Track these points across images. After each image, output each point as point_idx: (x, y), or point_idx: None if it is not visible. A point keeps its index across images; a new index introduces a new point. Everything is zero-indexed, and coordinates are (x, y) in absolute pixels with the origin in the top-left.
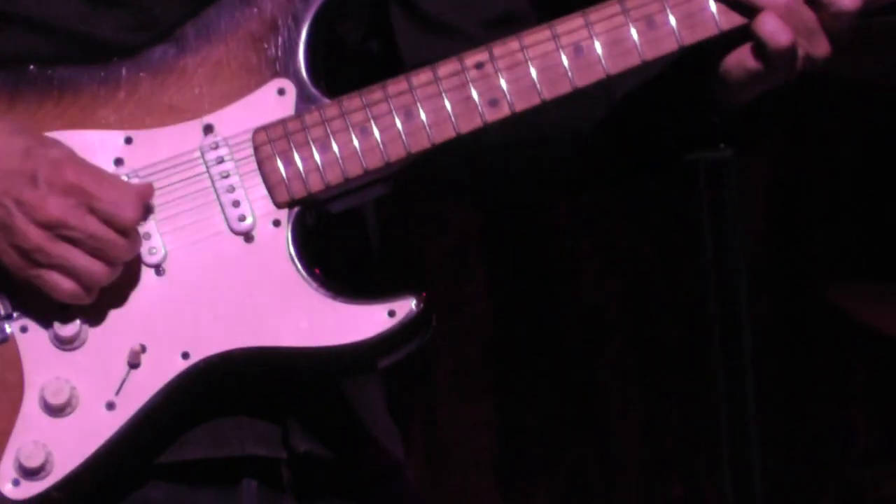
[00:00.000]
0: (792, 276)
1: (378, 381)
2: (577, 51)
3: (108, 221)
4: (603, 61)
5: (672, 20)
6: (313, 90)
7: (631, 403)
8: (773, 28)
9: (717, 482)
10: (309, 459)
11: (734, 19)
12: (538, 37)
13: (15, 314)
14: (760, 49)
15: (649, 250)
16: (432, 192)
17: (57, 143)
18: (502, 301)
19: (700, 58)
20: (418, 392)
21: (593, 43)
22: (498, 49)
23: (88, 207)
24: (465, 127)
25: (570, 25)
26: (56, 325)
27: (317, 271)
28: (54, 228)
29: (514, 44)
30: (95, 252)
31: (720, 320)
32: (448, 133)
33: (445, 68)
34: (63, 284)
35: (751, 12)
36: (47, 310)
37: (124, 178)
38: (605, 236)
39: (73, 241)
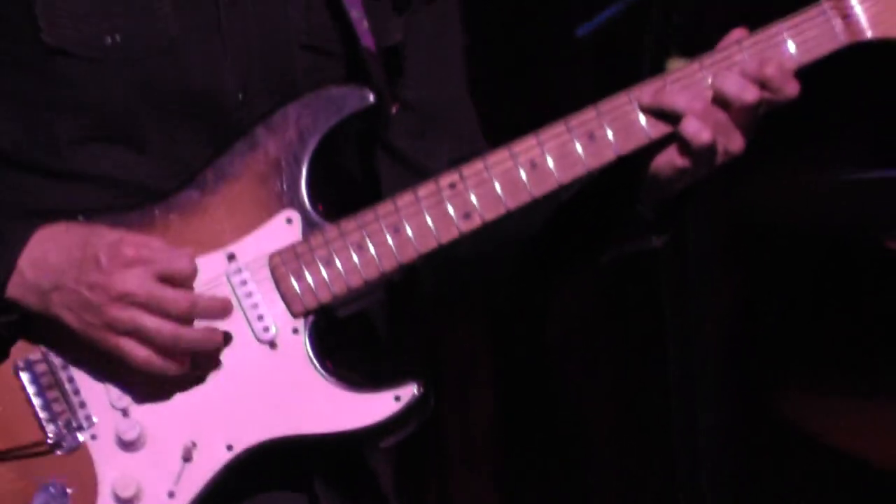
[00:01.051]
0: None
1: (385, 456)
2: (533, 166)
3: (168, 277)
4: (555, 173)
5: (609, 133)
6: (315, 216)
7: (627, 474)
8: (695, 129)
9: None
10: None
11: (661, 128)
12: (499, 157)
13: (85, 425)
14: (686, 148)
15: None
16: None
17: (109, 230)
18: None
19: (631, 162)
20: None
21: (545, 158)
22: (466, 170)
23: (150, 271)
24: (445, 238)
25: (525, 144)
26: (120, 430)
27: (329, 365)
28: (126, 298)
29: (479, 164)
30: (161, 312)
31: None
32: (431, 244)
33: (425, 189)
34: (137, 351)
35: (675, 119)
36: (113, 418)
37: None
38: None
39: (142, 307)
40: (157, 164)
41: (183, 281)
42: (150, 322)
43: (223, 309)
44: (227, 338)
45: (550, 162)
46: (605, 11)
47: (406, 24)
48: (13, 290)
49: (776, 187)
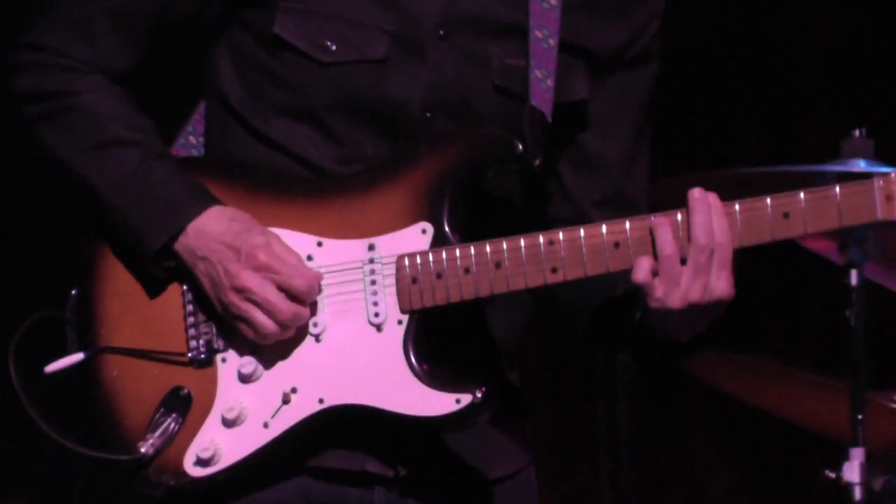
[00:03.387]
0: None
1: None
2: (616, 245)
3: (285, 291)
4: (631, 258)
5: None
6: (446, 234)
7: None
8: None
9: None
10: (409, 479)
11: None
12: (594, 231)
13: (220, 348)
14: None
15: None
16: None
17: (262, 232)
18: None
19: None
20: None
21: (629, 243)
22: (564, 234)
23: (272, 281)
24: (532, 283)
25: (615, 227)
26: (242, 363)
27: (415, 357)
28: (244, 293)
29: (577, 232)
30: (270, 314)
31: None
32: (520, 284)
33: (529, 240)
34: (245, 331)
35: None
36: (240, 352)
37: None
38: None
39: (255, 304)
40: (340, 154)
41: (296, 295)
42: (259, 317)
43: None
44: (347, 314)
45: (631, 248)
46: None
47: (596, 84)
48: (177, 244)
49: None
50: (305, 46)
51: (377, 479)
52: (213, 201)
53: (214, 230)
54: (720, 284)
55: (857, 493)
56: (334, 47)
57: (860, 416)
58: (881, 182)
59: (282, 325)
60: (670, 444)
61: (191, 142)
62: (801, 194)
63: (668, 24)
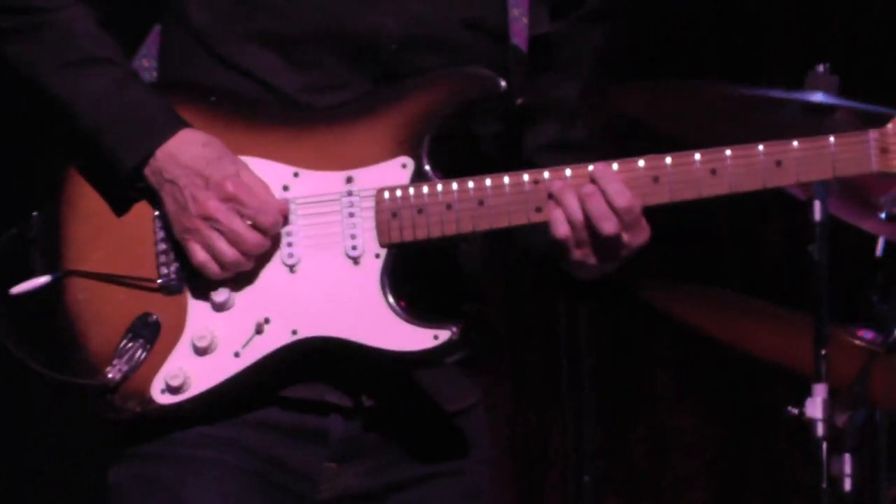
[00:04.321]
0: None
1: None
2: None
3: (251, 222)
4: None
5: None
6: (426, 170)
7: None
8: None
9: None
10: (372, 409)
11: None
12: (580, 171)
13: (190, 277)
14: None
15: None
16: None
17: (232, 161)
18: None
19: None
20: None
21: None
22: (550, 173)
23: (238, 212)
24: (515, 221)
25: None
26: (215, 291)
27: (392, 292)
28: (209, 220)
29: (563, 172)
30: (233, 242)
31: None
32: (502, 222)
33: (513, 178)
34: (199, 254)
35: None
36: (212, 282)
37: (286, 201)
38: None
39: (220, 232)
40: (308, 81)
41: (263, 230)
42: (221, 244)
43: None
44: (323, 245)
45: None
46: None
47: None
48: (146, 168)
49: None
50: None
51: (335, 408)
52: (184, 125)
53: (185, 155)
54: (636, 239)
55: (820, 429)
56: None
57: (823, 352)
58: (876, 134)
59: (245, 254)
60: (633, 380)
61: (144, 65)
62: (795, 143)
63: None
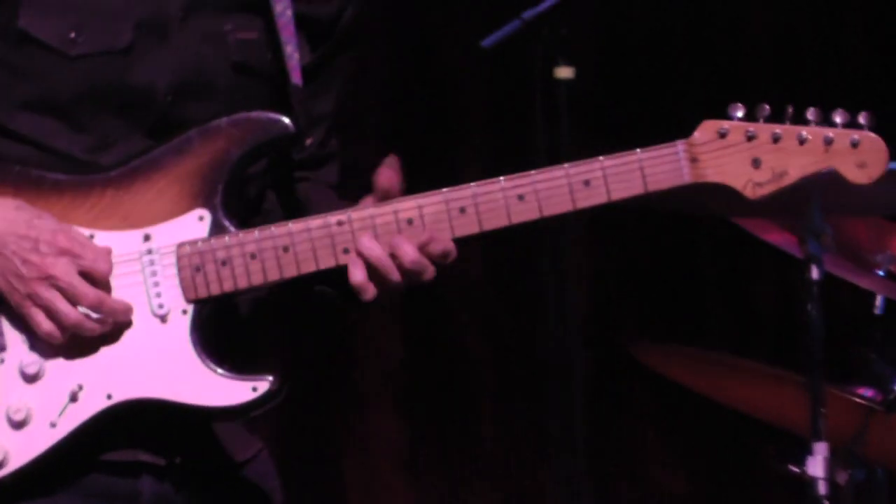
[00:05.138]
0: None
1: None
2: (409, 222)
3: (88, 274)
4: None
5: None
6: (224, 221)
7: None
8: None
9: None
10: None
11: None
12: (384, 210)
13: (1, 348)
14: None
15: None
16: None
17: (50, 217)
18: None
19: None
20: None
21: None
22: (354, 214)
23: (76, 265)
24: (323, 264)
25: (406, 205)
26: (25, 362)
27: (204, 347)
28: (49, 280)
29: (366, 212)
30: (72, 299)
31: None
32: (311, 267)
33: (317, 222)
34: (45, 324)
35: None
36: (21, 351)
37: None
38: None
39: (59, 290)
40: (90, 143)
41: (99, 279)
42: (63, 306)
43: (125, 311)
44: (126, 307)
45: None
46: (506, 26)
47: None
48: None
49: None
50: (51, 40)
51: (147, 467)
52: None
53: (2, 223)
54: (426, 273)
55: (822, 488)
56: (80, 39)
57: (823, 410)
58: (684, 145)
59: (92, 310)
60: (623, 439)
61: None
62: (602, 159)
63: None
